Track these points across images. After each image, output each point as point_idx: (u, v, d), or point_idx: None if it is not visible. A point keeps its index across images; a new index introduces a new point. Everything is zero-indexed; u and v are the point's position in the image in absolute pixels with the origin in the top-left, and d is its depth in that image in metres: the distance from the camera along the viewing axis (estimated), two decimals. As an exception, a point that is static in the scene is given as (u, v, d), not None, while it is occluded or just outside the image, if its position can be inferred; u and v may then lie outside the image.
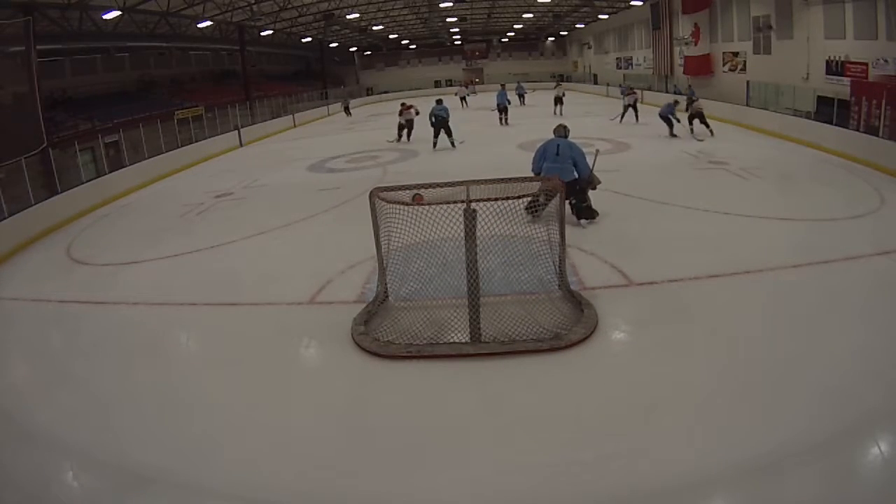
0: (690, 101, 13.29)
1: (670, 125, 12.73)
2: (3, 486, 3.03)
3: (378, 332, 4.19)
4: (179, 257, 6.66)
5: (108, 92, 20.31)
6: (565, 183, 4.97)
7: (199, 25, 20.23)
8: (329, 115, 26.80)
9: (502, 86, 19.17)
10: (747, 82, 15.85)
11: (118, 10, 15.38)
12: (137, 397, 3.73)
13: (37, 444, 3.36)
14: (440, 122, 12.35)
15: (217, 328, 4.75)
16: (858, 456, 2.87)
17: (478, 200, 3.90)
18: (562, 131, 6.53)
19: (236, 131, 17.82)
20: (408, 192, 4.16)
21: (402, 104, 14.77)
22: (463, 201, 3.88)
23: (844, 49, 12.57)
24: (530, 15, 30.65)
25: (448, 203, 3.93)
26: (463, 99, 24.70)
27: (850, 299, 4.45)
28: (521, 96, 23.67)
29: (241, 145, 17.56)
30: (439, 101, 12.73)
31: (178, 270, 6.22)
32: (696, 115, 12.45)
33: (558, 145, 6.34)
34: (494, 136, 14.72)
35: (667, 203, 7.28)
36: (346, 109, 24.84)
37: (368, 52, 39.80)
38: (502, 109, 16.88)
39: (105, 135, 14.30)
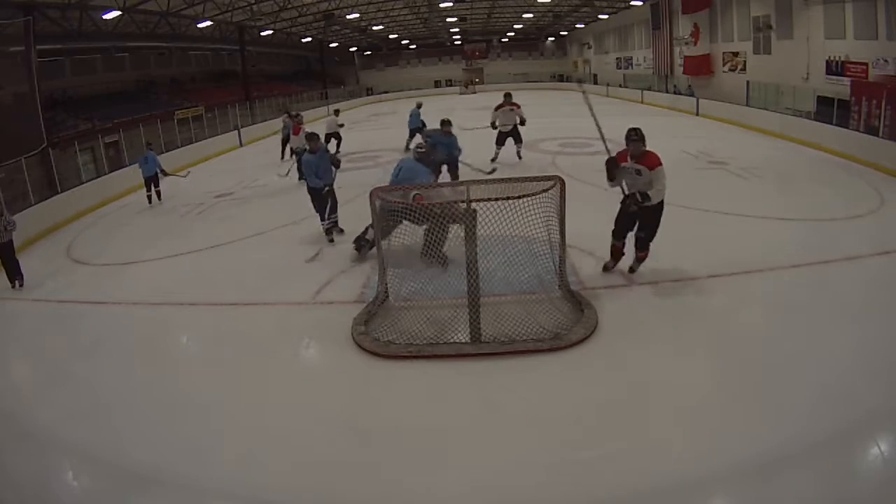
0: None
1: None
2: (4, 486, 3.03)
3: (378, 332, 4.19)
4: (179, 257, 6.66)
5: (108, 92, 20.28)
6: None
7: (199, 25, 20.20)
8: (329, 115, 26.72)
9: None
10: (747, 82, 15.82)
11: (118, 10, 15.34)
12: (137, 397, 3.73)
13: (37, 443, 3.37)
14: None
15: (217, 328, 4.75)
16: (858, 456, 2.88)
17: (478, 200, 3.91)
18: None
19: (236, 131, 17.82)
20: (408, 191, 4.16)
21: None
22: (463, 201, 3.88)
23: (844, 49, 12.55)
24: (530, 15, 30.60)
25: (448, 203, 3.93)
26: None
27: (850, 299, 4.46)
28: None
29: (241, 145, 17.55)
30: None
31: (178, 270, 6.22)
32: None
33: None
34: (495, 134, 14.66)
35: (667, 203, 7.24)
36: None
37: (368, 52, 39.75)
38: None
39: (105, 135, 14.30)
